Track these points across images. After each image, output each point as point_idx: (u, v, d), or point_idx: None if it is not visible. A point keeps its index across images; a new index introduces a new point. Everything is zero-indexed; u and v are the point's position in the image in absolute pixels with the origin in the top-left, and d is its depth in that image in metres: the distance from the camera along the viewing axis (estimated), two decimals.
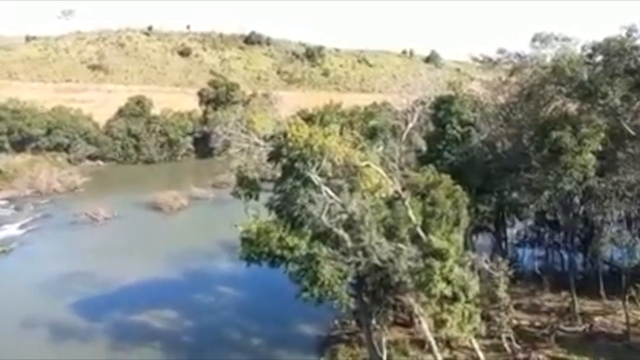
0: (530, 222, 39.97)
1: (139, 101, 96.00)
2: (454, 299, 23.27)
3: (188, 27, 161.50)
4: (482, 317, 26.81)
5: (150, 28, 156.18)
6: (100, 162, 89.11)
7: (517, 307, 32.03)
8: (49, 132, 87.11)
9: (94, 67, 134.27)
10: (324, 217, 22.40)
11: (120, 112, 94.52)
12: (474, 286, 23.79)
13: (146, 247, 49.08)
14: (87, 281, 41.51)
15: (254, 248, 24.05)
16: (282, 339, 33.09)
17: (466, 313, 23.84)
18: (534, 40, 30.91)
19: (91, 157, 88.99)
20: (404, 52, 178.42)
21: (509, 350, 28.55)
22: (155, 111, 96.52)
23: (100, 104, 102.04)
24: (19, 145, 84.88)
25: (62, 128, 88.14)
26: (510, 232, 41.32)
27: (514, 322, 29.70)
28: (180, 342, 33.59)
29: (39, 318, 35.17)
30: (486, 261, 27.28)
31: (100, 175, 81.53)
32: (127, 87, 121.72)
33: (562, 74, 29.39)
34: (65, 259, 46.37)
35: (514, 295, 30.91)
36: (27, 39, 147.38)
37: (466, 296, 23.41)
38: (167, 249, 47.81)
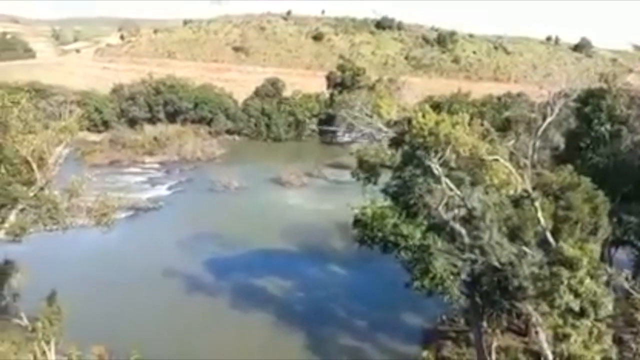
0: None
1: (274, 82, 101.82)
2: (581, 314, 21.07)
3: (323, 12, 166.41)
4: (614, 340, 23.90)
5: (289, 13, 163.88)
6: (236, 137, 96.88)
7: None
8: (195, 106, 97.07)
9: (237, 49, 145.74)
10: (441, 209, 21.78)
11: (257, 92, 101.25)
12: (608, 304, 21.24)
13: (268, 218, 52.67)
14: (217, 243, 46.07)
15: (367, 231, 24.47)
16: (387, 325, 33.32)
17: (594, 331, 21.44)
18: None
19: (229, 132, 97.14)
20: (548, 38, 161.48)
21: None
22: (286, 92, 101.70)
23: (240, 83, 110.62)
24: (171, 117, 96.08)
25: (207, 103, 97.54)
26: None
27: None
28: (292, 311, 35.78)
29: (177, 269, 40.23)
30: (626, 278, 24.07)
31: (235, 148, 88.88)
32: (264, 68, 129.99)
33: None
34: (201, 221, 51.90)
35: None
36: (185, 22, 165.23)
37: (596, 313, 21.03)
38: (286, 221, 50.83)
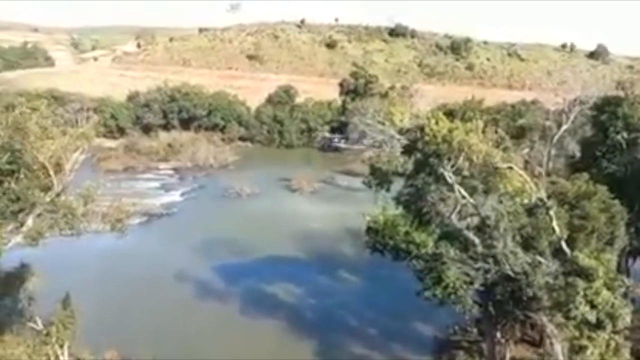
0: None
1: (287, 90, 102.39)
2: (598, 326, 20.65)
3: (336, 20, 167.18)
4: (632, 353, 23.35)
5: (302, 21, 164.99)
6: (248, 144, 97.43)
7: None
8: (209, 113, 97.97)
9: (251, 57, 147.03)
10: (454, 217, 21.61)
11: (269, 99, 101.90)
12: (625, 315, 20.79)
13: (280, 224, 52.72)
14: (229, 248, 46.22)
15: (379, 239, 24.35)
16: (398, 333, 33.05)
17: (612, 344, 20.99)
18: None
19: (241, 139, 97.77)
20: (563, 45, 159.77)
21: None
22: (299, 100, 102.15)
23: (253, 90, 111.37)
24: (185, 124, 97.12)
25: (220, 111, 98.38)
26: None
27: None
28: (303, 318, 35.69)
29: (189, 275, 40.49)
30: None
31: (247, 155, 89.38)
32: (277, 76, 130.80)
33: None
34: (213, 227, 52.16)
35: None
36: (200, 30, 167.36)
37: (614, 325, 20.60)
38: (297, 228, 50.87)
